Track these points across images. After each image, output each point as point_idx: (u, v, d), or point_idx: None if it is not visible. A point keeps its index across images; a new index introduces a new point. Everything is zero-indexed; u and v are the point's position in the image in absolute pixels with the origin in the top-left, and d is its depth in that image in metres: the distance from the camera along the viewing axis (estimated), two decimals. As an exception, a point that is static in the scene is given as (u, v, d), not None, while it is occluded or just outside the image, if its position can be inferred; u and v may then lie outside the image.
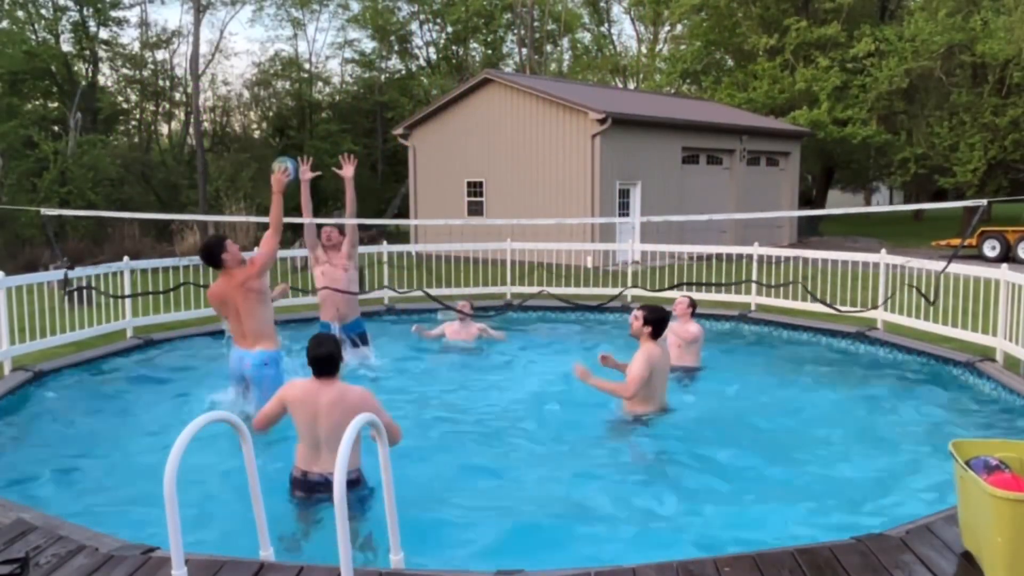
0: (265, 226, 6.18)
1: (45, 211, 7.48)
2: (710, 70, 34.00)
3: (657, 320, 5.83)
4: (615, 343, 9.16)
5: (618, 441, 5.71)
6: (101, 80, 32.42)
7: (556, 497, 4.71)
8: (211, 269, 6.11)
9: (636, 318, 5.91)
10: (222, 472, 4.86)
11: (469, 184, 21.09)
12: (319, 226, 7.64)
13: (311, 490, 4.27)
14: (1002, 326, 7.44)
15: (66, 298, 8.07)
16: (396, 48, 38.90)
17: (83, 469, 5.17)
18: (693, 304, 8.03)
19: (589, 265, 15.24)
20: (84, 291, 8.93)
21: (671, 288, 9.48)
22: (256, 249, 6.35)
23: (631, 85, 42.75)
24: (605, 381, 5.83)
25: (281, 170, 6.02)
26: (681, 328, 7.65)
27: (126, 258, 9.39)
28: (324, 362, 4.25)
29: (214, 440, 5.25)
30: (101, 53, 31.69)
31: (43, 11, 29.34)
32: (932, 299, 7.37)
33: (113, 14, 30.80)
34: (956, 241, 20.94)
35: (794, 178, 24.80)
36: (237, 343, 5.93)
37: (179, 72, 34.50)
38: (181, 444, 2.81)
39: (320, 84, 38.13)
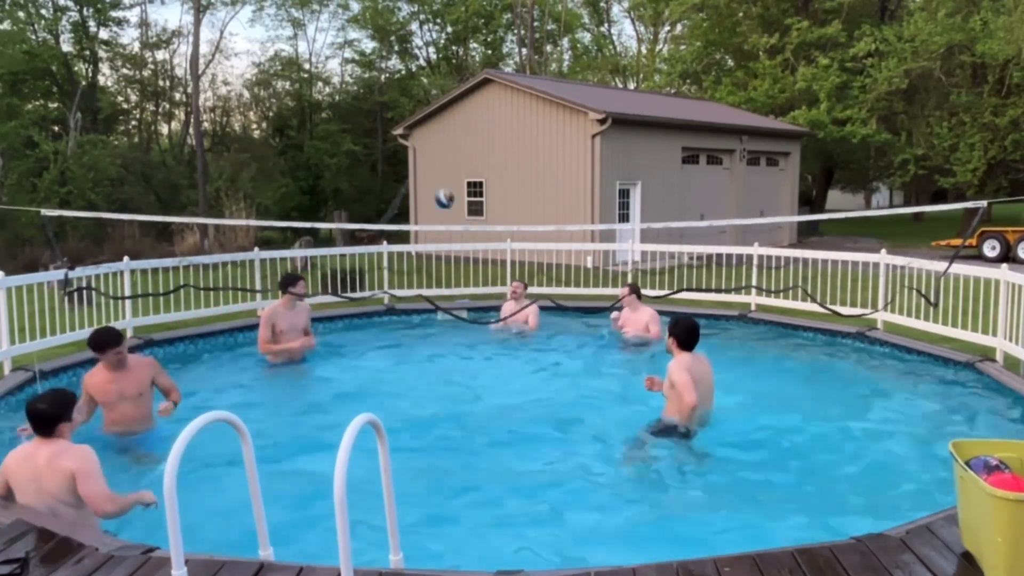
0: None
1: (45, 212, 7.49)
2: (710, 70, 34.00)
3: (681, 331, 5.47)
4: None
5: (617, 442, 5.70)
6: (101, 80, 32.46)
7: (556, 497, 4.71)
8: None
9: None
10: (222, 472, 4.86)
11: (469, 184, 21.09)
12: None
13: None
14: (1002, 326, 7.43)
15: (66, 298, 8.07)
16: (396, 48, 38.92)
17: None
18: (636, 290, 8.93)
19: (589, 265, 15.23)
20: (84, 291, 8.93)
21: (673, 293, 9.49)
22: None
23: (631, 85, 42.75)
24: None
25: None
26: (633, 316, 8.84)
27: (126, 258, 9.39)
28: (33, 420, 3.95)
29: (214, 440, 5.25)
30: (101, 53, 31.72)
31: (43, 11, 29.37)
32: (934, 301, 7.38)
33: (113, 14, 30.85)
34: (956, 241, 20.94)
35: (794, 178, 24.80)
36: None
37: (179, 72, 34.59)
38: (181, 444, 2.81)
39: (320, 84, 38.19)
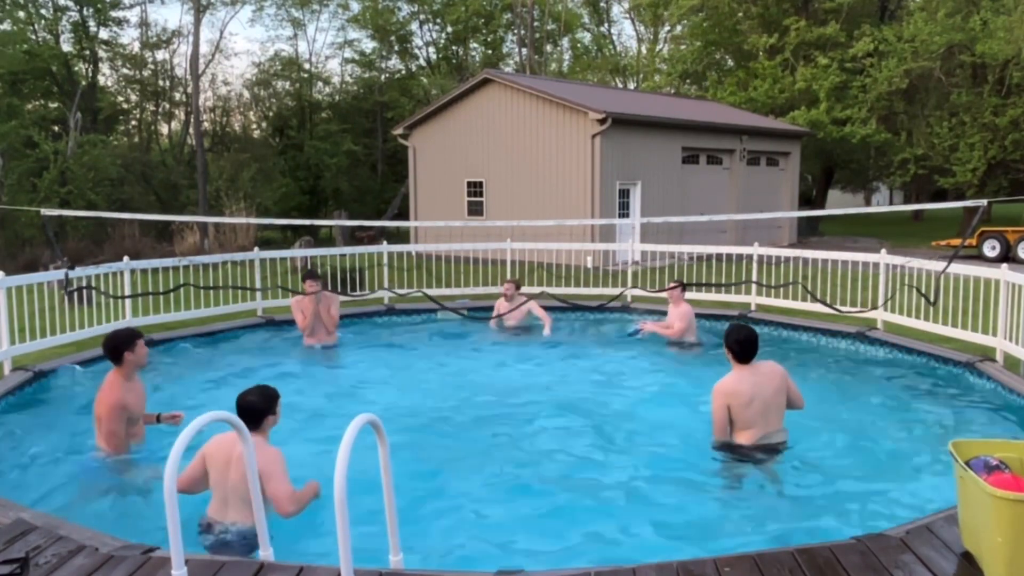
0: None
1: (45, 211, 7.49)
2: (711, 70, 34.01)
3: (734, 343, 5.04)
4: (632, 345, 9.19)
5: (619, 441, 5.70)
6: (101, 80, 32.46)
7: (557, 496, 4.71)
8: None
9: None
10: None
11: (469, 184, 21.09)
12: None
13: (215, 542, 3.94)
14: (1002, 326, 7.43)
15: (66, 298, 8.08)
16: (396, 48, 38.93)
17: (83, 469, 5.16)
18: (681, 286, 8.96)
19: (589, 265, 15.24)
20: (84, 291, 8.94)
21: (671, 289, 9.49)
22: None
23: (631, 85, 42.75)
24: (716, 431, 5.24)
25: None
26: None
27: (126, 258, 9.40)
28: (242, 412, 3.98)
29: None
30: (101, 53, 31.71)
31: (43, 11, 29.37)
32: (933, 300, 7.37)
33: (113, 14, 30.83)
34: (956, 241, 20.95)
35: (794, 178, 24.81)
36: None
37: (179, 72, 34.59)
38: (181, 444, 2.81)
39: (320, 84, 38.18)
